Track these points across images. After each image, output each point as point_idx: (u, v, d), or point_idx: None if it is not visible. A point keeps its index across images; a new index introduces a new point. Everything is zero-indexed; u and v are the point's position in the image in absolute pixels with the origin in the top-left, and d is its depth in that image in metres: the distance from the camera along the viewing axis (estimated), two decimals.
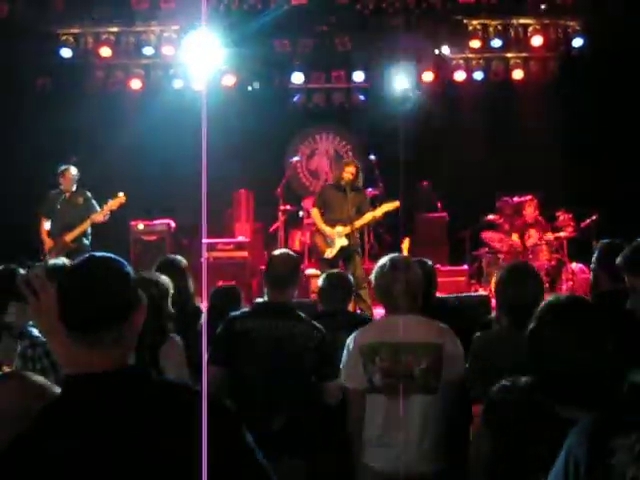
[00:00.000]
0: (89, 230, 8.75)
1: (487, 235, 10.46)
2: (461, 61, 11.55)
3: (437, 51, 11.34)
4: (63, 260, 4.76)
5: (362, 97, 12.34)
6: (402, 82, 11.78)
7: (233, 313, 4.01)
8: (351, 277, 5.05)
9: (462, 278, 10.34)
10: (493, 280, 6.51)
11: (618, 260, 2.98)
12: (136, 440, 1.67)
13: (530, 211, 10.18)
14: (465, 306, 6.16)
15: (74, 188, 8.92)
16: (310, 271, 9.85)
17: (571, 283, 9.76)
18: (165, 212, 10.88)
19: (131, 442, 1.67)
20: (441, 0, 10.54)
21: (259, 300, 4.38)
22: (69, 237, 8.60)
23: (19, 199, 10.09)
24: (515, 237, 10.18)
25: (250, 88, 11.84)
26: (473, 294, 9.19)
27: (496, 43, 11.07)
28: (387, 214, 8.44)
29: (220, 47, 11.10)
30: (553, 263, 9.86)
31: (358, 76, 11.63)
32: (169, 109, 11.41)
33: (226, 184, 11.62)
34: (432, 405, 3.45)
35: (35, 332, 3.36)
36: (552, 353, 2.11)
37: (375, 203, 8.68)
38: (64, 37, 11.00)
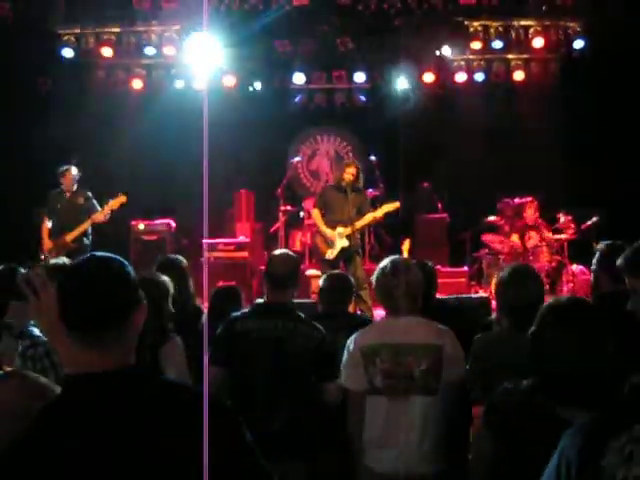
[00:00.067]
0: (89, 230, 8.76)
1: (487, 237, 10.46)
2: (462, 62, 11.55)
3: (438, 52, 11.33)
4: (64, 260, 4.76)
5: (363, 98, 12.34)
6: (403, 83, 11.80)
7: (233, 314, 4.01)
8: (352, 278, 5.05)
9: (462, 279, 10.35)
10: (493, 281, 6.52)
11: (619, 262, 2.98)
12: (136, 440, 1.67)
13: (531, 212, 10.18)
14: (465, 307, 6.17)
15: (75, 188, 8.93)
16: (311, 272, 9.85)
17: (572, 285, 9.75)
18: (165, 212, 10.88)
19: (131, 442, 1.67)
20: (442, 1, 10.54)
21: (259, 301, 4.38)
22: (69, 237, 8.60)
23: (20, 199, 10.09)
24: (515, 238, 10.18)
25: (251, 88, 11.84)
26: (473, 295, 9.20)
27: (497, 44, 11.07)
28: (387, 215, 8.43)
29: (221, 47, 11.11)
30: (554, 265, 9.85)
31: (359, 77, 11.64)
32: (170, 109, 11.42)
33: (227, 184, 11.63)
34: (432, 406, 3.45)
35: (36, 332, 3.37)
36: (553, 354, 2.11)
37: (375, 204, 8.68)
38: (66, 37, 11.00)
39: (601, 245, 3.98)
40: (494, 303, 4.43)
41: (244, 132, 11.55)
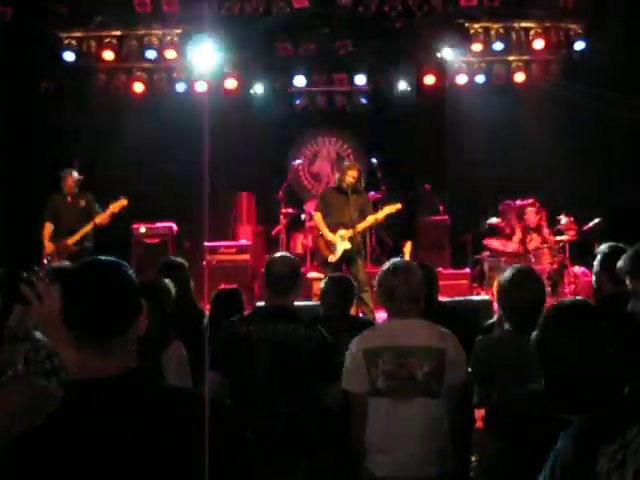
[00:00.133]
0: (91, 233, 8.76)
1: (489, 240, 10.46)
2: (463, 64, 11.54)
3: (439, 54, 11.33)
4: (66, 264, 4.78)
5: (364, 100, 12.33)
6: (404, 85, 11.80)
7: (233, 318, 4.00)
8: (353, 280, 5.05)
9: (464, 281, 10.34)
10: (495, 283, 6.52)
11: (619, 264, 2.97)
12: (139, 444, 1.67)
13: (532, 214, 10.17)
14: (467, 310, 6.16)
15: (76, 191, 8.94)
16: (312, 274, 9.86)
17: (573, 286, 9.75)
18: (167, 215, 10.89)
19: (134, 446, 1.67)
20: (443, 3, 10.53)
21: (259, 304, 4.39)
22: (71, 240, 8.62)
23: (22, 202, 10.10)
24: (517, 240, 10.18)
25: (252, 91, 11.84)
26: (475, 298, 9.19)
27: (498, 46, 11.06)
28: (389, 217, 8.44)
29: (222, 50, 11.13)
30: (555, 266, 9.84)
31: (360, 79, 11.64)
32: (171, 112, 11.43)
33: (228, 187, 11.64)
34: (435, 409, 3.45)
35: (38, 335, 3.37)
36: (555, 356, 2.11)
37: (377, 206, 8.69)
38: (67, 41, 11.00)
39: (602, 247, 3.98)
40: (496, 305, 4.43)
41: (245, 135, 11.56)
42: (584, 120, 10.94)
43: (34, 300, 2.14)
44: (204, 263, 10.17)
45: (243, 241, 11.00)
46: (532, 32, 11.05)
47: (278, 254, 4.16)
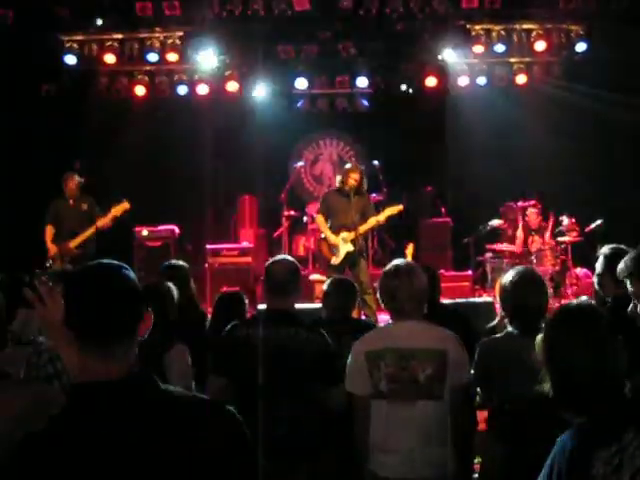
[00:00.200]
0: (93, 236, 8.77)
1: (491, 244, 10.46)
2: (464, 66, 11.53)
3: (440, 56, 11.33)
4: (69, 267, 4.79)
5: (365, 102, 12.35)
6: (405, 87, 11.80)
7: (234, 322, 4.00)
8: (356, 283, 5.05)
9: (466, 283, 10.35)
10: (497, 285, 6.51)
11: (619, 266, 2.96)
12: (140, 448, 1.67)
13: (534, 216, 10.18)
14: (469, 312, 6.15)
15: (78, 194, 8.95)
16: (314, 276, 9.86)
17: (575, 288, 9.75)
18: (169, 218, 10.89)
19: (135, 450, 1.67)
20: (444, 6, 10.53)
21: (260, 307, 4.39)
22: (73, 243, 8.62)
23: (23, 205, 10.11)
24: (519, 242, 10.17)
25: (253, 94, 11.85)
26: (477, 299, 9.19)
27: (499, 48, 11.05)
28: (391, 219, 8.45)
29: (223, 53, 11.14)
30: (557, 268, 9.84)
31: (361, 81, 11.64)
32: (173, 115, 11.45)
33: (230, 190, 11.65)
34: (437, 411, 3.44)
35: (40, 339, 3.37)
36: (561, 358, 2.10)
37: (379, 208, 8.68)
38: (68, 44, 11.01)
39: (604, 249, 3.97)
40: (498, 307, 4.43)
41: (247, 137, 11.57)
42: (586, 121, 10.94)
43: (37, 304, 2.15)
44: (206, 266, 10.18)
45: (245, 244, 11.01)
46: (533, 34, 11.04)
47: (278, 257, 4.16)
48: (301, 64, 11.44)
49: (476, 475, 4.07)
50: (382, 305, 3.69)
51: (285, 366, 3.71)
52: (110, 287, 1.79)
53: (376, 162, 10.65)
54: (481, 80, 11.67)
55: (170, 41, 11.06)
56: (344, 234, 8.13)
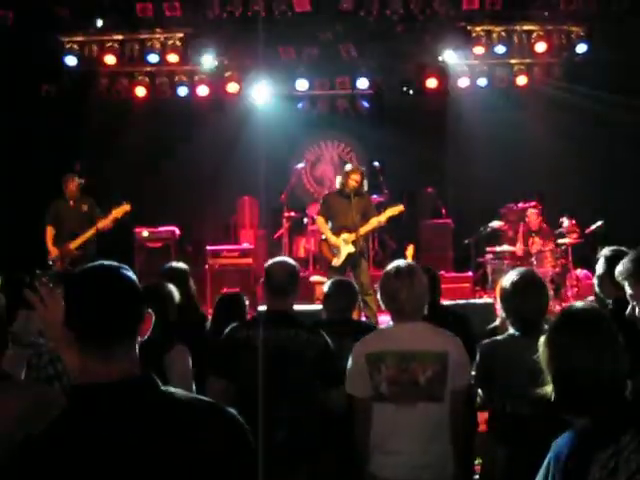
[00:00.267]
0: (93, 238, 8.77)
1: (491, 245, 10.46)
2: (465, 67, 11.54)
3: (440, 58, 11.34)
4: (70, 269, 4.79)
5: (366, 104, 12.36)
6: (406, 89, 11.80)
7: (233, 324, 4.00)
8: (357, 284, 5.05)
9: (467, 285, 10.34)
10: (498, 287, 6.52)
11: (618, 268, 2.95)
12: (141, 450, 1.67)
13: (534, 217, 10.18)
14: (470, 313, 6.15)
15: (78, 196, 8.95)
16: (315, 278, 9.85)
17: (576, 289, 9.75)
18: (169, 219, 10.90)
19: (136, 452, 1.67)
20: (445, 7, 10.53)
21: (260, 309, 4.38)
22: (74, 245, 8.62)
23: (23, 206, 10.12)
24: (519, 244, 10.17)
25: (254, 95, 11.85)
26: (478, 301, 9.19)
27: (500, 49, 11.06)
28: (392, 220, 8.44)
29: (224, 54, 11.14)
30: (558, 270, 9.84)
31: (362, 83, 11.64)
32: (174, 116, 11.45)
33: (230, 191, 11.65)
34: (438, 413, 3.44)
35: (41, 340, 3.38)
36: (565, 360, 2.10)
37: (380, 210, 8.69)
38: (69, 45, 11.02)
39: (605, 250, 3.97)
40: (498, 308, 4.42)
41: (247, 139, 11.56)
42: (586, 122, 10.95)
43: (38, 304, 2.14)
44: (206, 267, 10.18)
45: (245, 245, 11.00)
46: (534, 35, 11.05)
47: (277, 258, 4.17)
48: (302, 65, 11.45)
49: (477, 476, 4.07)
50: (383, 306, 3.68)
51: (285, 367, 3.71)
52: (111, 288, 1.78)
53: (377, 163, 10.65)
54: (482, 81, 11.67)
55: (170, 42, 11.07)
56: (345, 235, 8.13)
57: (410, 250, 8.90)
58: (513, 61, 11.62)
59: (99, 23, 10.74)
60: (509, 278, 3.58)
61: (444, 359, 3.43)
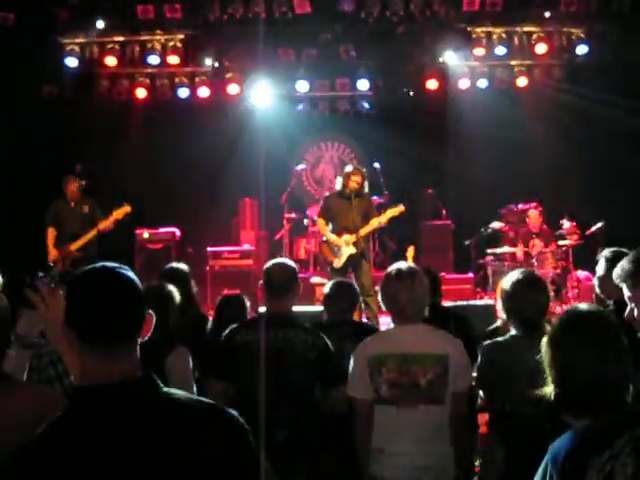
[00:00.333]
0: (94, 239, 8.76)
1: (492, 246, 10.46)
2: (465, 69, 11.54)
3: (441, 59, 11.34)
4: (71, 270, 4.79)
5: (366, 105, 12.35)
6: (406, 90, 11.81)
7: (233, 325, 4.00)
8: (357, 285, 5.05)
9: (467, 286, 10.34)
10: (498, 288, 6.52)
11: (616, 270, 2.94)
12: (142, 451, 1.67)
13: (535, 219, 10.17)
14: (471, 314, 6.15)
15: (79, 197, 8.95)
16: (315, 279, 9.85)
17: (577, 291, 9.74)
18: (170, 220, 10.90)
19: (137, 453, 1.67)
20: (445, 8, 10.53)
21: (260, 311, 4.38)
22: (75, 246, 8.62)
23: (24, 207, 10.11)
24: (520, 245, 10.17)
25: (254, 96, 11.85)
26: (479, 302, 9.19)
27: (500, 51, 11.05)
28: (392, 221, 8.43)
29: (224, 56, 11.14)
30: (558, 271, 9.83)
31: (362, 84, 11.64)
32: (174, 118, 11.45)
33: (231, 192, 11.65)
34: (439, 415, 3.44)
35: (42, 341, 3.37)
36: (567, 361, 2.10)
37: (380, 211, 8.68)
38: (69, 46, 11.02)
39: (605, 252, 3.97)
40: (499, 310, 4.42)
41: (248, 140, 11.56)
42: (587, 124, 10.94)
43: (39, 304, 2.14)
44: (207, 268, 10.18)
45: (246, 246, 11.01)
46: (534, 36, 11.03)
47: (276, 260, 4.18)
48: (302, 67, 11.45)
49: (477, 477, 4.07)
50: (384, 308, 3.68)
51: (285, 368, 3.72)
52: (112, 289, 1.78)
53: (377, 165, 10.64)
54: (482, 83, 11.67)
55: (171, 44, 11.07)
56: (346, 236, 8.12)
57: (410, 251, 8.89)
58: (513, 62, 11.61)
59: (100, 24, 10.73)
60: (510, 279, 3.58)
61: (445, 361, 3.43)
